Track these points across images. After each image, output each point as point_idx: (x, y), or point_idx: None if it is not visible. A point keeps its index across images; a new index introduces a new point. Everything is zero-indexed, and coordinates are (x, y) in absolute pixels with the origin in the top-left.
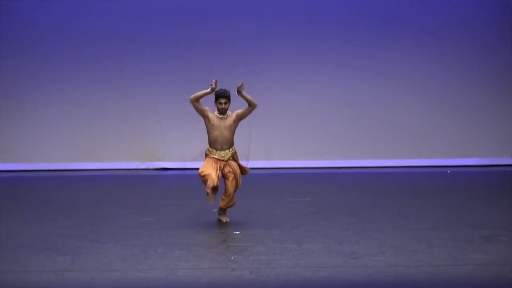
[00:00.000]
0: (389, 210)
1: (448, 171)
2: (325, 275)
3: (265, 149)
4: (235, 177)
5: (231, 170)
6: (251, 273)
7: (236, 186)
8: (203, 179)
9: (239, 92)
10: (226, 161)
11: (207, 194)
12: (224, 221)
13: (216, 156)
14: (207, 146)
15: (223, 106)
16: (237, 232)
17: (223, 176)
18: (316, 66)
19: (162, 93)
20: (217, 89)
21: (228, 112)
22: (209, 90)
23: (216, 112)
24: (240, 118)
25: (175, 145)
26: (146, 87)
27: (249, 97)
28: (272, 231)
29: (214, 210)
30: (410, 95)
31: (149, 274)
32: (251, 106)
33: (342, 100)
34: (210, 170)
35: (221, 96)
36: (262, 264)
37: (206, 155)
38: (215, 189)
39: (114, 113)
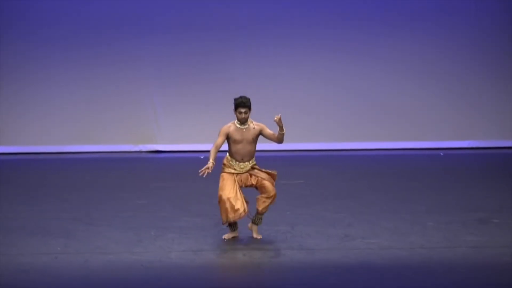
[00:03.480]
0: (383, 193)
1: (442, 154)
2: (318, 257)
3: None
4: (267, 179)
5: (257, 177)
6: (244, 255)
7: (272, 174)
8: (221, 205)
9: (267, 134)
10: (244, 173)
11: (226, 223)
12: (257, 236)
13: (234, 167)
14: (226, 155)
15: (243, 115)
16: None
17: (254, 187)
18: (311, 50)
19: (155, 77)
20: (237, 98)
21: (250, 122)
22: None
23: (236, 122)
24: (262, 135)
25: (168, 127)
26: (139, 71)
27: (283, 135)
28: (265, 214)
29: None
30: (404, 78)
31: (143, 257)
32: (278, 141)
33: (336, 83)
34: (230, 193)
35: (241, 106)
36: (255, 247)
37: (223, 165)
38: (233, 225)
39: (107, 96)
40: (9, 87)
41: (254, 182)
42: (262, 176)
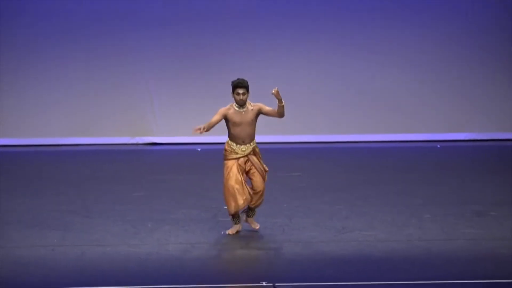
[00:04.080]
0: (380, 185)
1: (438, 146)
2: (315, 250)
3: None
4: (260, 172)
5: (253, 165)
6: (242, 248)
7: (265, 170)
8: (226, 195)
9: (278, 99)
10: (246, 155)
11: (234, 219)
12: (255, 227)
13: (236, 151)
14: (227, 140)
15: (241, 97)
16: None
17: (247, 174)
18: (307, 42)
19: (152, 69)
20: (234, 79)
21: (248, 104)
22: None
23: (234, 105)
24: (262, 113)
25: (165, 120)
26: (136, 63)
27: (283, 107)
28: (262, 206)
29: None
30: (400, 70)
31: (140, 249)
32: (279, 115)
33: (333, 76)
34: (236, 183)
35: (239, 86)
36: (252, 239)
37: (225, 152)
38: (236, 217)
39: (104, 89)
40: (7, 80)
41: (247, 169)
42: (257, 167)
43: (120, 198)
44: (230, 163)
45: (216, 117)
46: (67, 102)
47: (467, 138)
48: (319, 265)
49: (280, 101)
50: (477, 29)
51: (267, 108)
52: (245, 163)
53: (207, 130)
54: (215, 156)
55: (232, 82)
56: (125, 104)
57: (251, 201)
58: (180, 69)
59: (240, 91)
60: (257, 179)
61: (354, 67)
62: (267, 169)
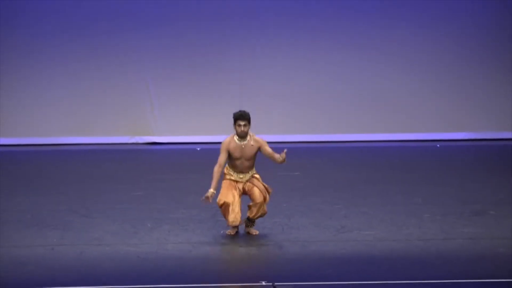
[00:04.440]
0: (379, 185)
1: (438, 145)
2: (314, 249)
3: (255, 123)
4: (258, 187)
5: (253, 184)
6: (241, 247)
7: (264, 198)
8: (223, 210)
9: (266, 153)
10: (245, 182)
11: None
12: (253, 233)
13: (234, 178)
14: (227, 166)
15: (242, 128)
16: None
17: (246, 193)
18: (307, 42)
19: (152, 68)
20: (236, 112)
21: (250, 135)
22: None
23: (235, 137)
24: (261, 151)
25: (164, 119)
26: (136, 63)
27: (281, 162)
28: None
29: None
30: (400, 70)
31: (139, 248)
32: (276, 162)
33: (333, 75)
34: (230, 198)
35: (240, 119)
36: (252, 238)
37: (225, 174)
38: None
39: (104, 88)
40: (6, 79)
41: (246, 189)
42: (255, 183)
43: (120, 197)
44: (227, 182)
45: (222, 157)
46: (67, 102)
47: (466, 137)
48: (318, 265)
49: (283, 160)
50: (476, 29)
51: (268, 149)
52: (244, 186)
53: (214, 193)
54: (214, 155)
55: (234, 114)
56: (125, 103)
57: (250, 213)
58: (180, 68)
59: (242, 123)
60: (254, 191)
61: (353, 66)
62: (270, 189)
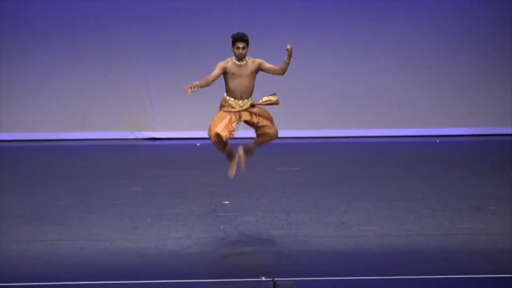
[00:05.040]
0: (378, 180)
1: (438, 141)
2: (313, 245)
3: None
4: (269, 120)
5: (255, 113)
6: (240, 243)
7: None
8: (211, 136)
9: (289, 56)
10: (245, 110)
11: (229, 157)
12: (243, 166)
13: (233, 106)
14: (224, 95)
15: (240, 51)
16: (226, 202)
17: (252, 125)
18: (306, 36)
19: (151, 63)
20: (234, 33)
21: (247, 58)
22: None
23: (233, 58)
24: (261, 69)
25: (164, 114)
26: (135, 58)
27: (288, 64)
28: (261, 201)
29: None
30: (399, 64)
31: (138, 244)
32: (281, 71)
33: (332, 70)
34: (220, 122)
35: (239, 40)
36: (251, 234)
37: (221, 107)
38: (230, 154)
39: (103, 83)
40: (4, 75)
41: (255, 121)
42: (260, 112)
43: (119, 193)
44: (223, 112)
45: (216, 71)
46: (66, 97)
47: (466, 133)
48: (318, 260)
49: (289, 57)
50: (476, 24)
51: (268, 64)
52: (248, 115)
53: (203, 87)
54: (214, 150)
55: (232, 35)
56: (124, 99)
57: (229, 137)
58: (179, 63)
59: (240, 45)
60: (265, 126)
61: (352, 62)
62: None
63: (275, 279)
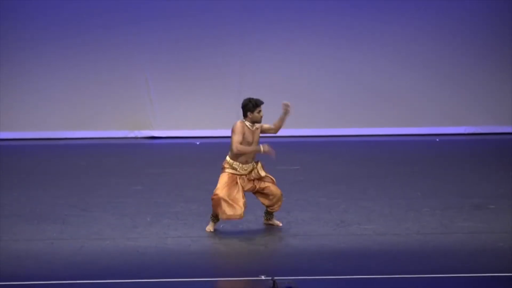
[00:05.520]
0: (378, 179)
1: (437, 139)
2: (313, 243)
3: None
4: (268, 180)
5: (259, 179)
6: (240, 241)
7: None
8: (217, 204)
9: (286, 113)
10: (247, 174)
11: (214, 219)
12: (278, 224)
13: (237, 169)
14: (227, 159)
15: (261, 114)
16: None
17: (256, 192)
18: (306, 35)
19: (151, 63)
20: (252, 98)
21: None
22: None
23: (248, 124)
24: (263, 131)
25: (163, 113)
26: (135, 57)
27: (282, 122)
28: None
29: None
30: (399, 64)
31: (138, 243)
32: (276, 130)
33: (331, 69)
34: (226, 194)
35: (260, 104)
36: (250, 233)
37: (223, 169)
38: (217, 217)
39: (103, 82)
40: (4, 74)
41: (258, 186)
42: (266, 181)
43: (119, 191)
44: (227, 174)
45: (239, 138)
46: (66, 96)
47: (466, 131)
48: (317, 259)
49: (285, 113)
50: (475, 24)
51: (266, 125)
52: (249, 182)
53: (256, 150)
54: (213, 149)
55: (250, 100)
56: (124, 98)
57: (241, 216)
58: (179, 62)
59: (261, 109)
60: (269, 185)
61: (353, 61)
62: (273, 178)
63: (275, 277)
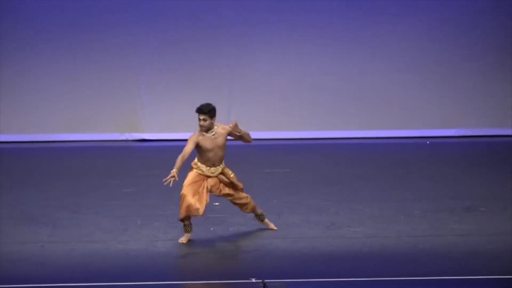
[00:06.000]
0: (369, 181)
1: (428, 142)
2: (304, 246)
3: (245, 120)
4: (232, 184)
5: (223, 182)
6: (231, 244)
7: (240, 189)
8: (183, 201)
9: (234, 135)
10: (214, 177)
11: (182, 222)
12: (272, 228)
13: (204, 172)
14: (195, 160)
15: (201, 123)
16: (216, 204)
17: (224, 196)
18: (298, 38)
19: (141, 66)
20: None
21: (217, 127)
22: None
23: (202, 132)
24: (231, 135)
25: (154, 116)
26: (126, 59)
27: (245, 136)
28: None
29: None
30: (390, 66)
31: (129, 245)
32: (239, 138)
33: (324, 72)
34: (191, 191)
35: (199, 112)
36: (241, 236)
37: (192, 168)
38: (188, 226)
39: (93, 85)
40: None
41: (224, 192)
42: (225, 181)
43: (110, 194)
44: (194, 173)
45: (189, 147)
46: (57, 99)
47: (457, 134)
48: (308, 262)
49: (235, 131)
50: (468, 28)
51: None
52: (217, 185)
53: (181, 167)
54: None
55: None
56: (115, 100)
57: (202, 213)
58: (170, 65)
59: (201, 117)
60: (233, 194)
61: (345, 63)
62: (241, 186)
63: (265, 280)
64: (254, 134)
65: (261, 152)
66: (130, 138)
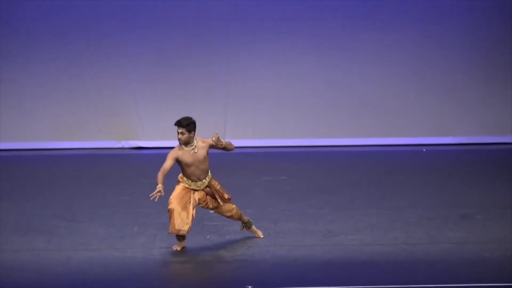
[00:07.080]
0: (365, 189)
1: (424, 150)
2: (300, 254)
3: (241, 128)
4: (219, 197)
5: (210, 195)
6: (227, 252)
7: (227, 199)
8: (171, 215)
9: (216, 147)
10: (201, 190)
11: (178, 238)
12: (259, 236)
13: (190, 186)
14: (180, 175)
15: (179, 136)
16: (212, 211)
17: (211, 209)
18: (294, 45)
19: (138, 73)
20: None
21: (197, 140)
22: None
23: (182, 145)
24: (212, 148)
25: (150, 124)
26: (122, 67)
27: (227, 146)
28: (248, 210)
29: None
30: (386, 74)
31: (125, 253)
32: (231, 150)
33: (319, 80)
34: (179, 205)
35: (177, 125)
36: (237, 243)
37: (178, 182)
38: (182, 236)
39: (90, 93)
40: None
41: (211, 206)
42: (212, 193)
43: (106, 202)
44: (181, 187)
45: (168, 163)
46: (53, 107)
47: (452, 142)
48: (304, 269)
49: (218, 143)
50: (464, 34)
51: (210, 141)
52: (204, 199)
53: (164, 187)
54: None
55: None
56: (111, 108)
57: (187, 231)
58: (166, 73)
59: (179, 130)
60: (220, 206)
61: (340, 71)
62: (228, 196)
63: None
64: (250, 142)
65: (257, 160)
66: (126, 145)
